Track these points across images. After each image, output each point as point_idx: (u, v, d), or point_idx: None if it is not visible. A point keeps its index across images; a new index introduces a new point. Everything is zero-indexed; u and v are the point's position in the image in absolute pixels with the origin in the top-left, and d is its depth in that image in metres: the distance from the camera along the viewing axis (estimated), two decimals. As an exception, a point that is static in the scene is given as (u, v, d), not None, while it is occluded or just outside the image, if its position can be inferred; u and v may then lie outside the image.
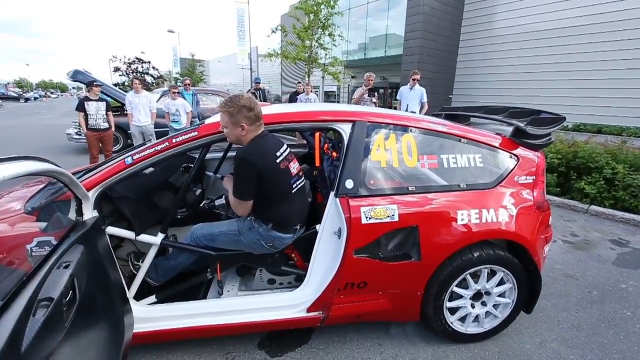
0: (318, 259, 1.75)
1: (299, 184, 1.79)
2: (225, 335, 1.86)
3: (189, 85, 7.04)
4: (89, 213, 1.47)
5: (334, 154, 1.86)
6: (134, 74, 17.46)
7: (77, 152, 7.23)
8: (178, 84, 7.34)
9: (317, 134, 1.88)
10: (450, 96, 14.91)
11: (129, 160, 1.59)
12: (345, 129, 1.75)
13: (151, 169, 1.95)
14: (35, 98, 51.28)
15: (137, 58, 18.13)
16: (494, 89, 13.44)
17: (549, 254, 2.94)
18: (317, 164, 1.84)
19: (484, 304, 1.87)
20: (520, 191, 1.88)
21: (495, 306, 1.89)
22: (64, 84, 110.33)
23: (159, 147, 1.61)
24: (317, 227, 1.75)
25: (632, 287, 2.50)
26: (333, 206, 1.68)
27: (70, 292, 0.98)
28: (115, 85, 14.60)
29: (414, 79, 5.71)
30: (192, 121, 6.86)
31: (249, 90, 8.85)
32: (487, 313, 1.89)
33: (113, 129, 5.40)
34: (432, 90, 13.57)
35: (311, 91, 7.82)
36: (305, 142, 2.98)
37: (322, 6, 12.49)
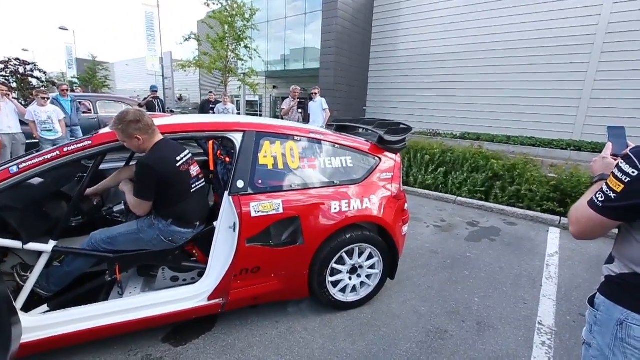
0: (217, 252, 1.98)
1: (199, 184, 2.01)
2: (128, 333, 1.93)
3: (66, 91, 6.33)
4: None
5: (227, 159, 2.14)
6: (15, 76, 14.82)
7: None
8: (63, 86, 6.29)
9: (210, 142, 2.12)
10: (364, 108, 16.46)
11: (14, 169, 1.60)
12: (237, 138, 2.04)
13: (40, 179, 1.93)
14: None
15: (16, 58, 15.39)
16: (398, 102, 15.38)
17: (422, 235, 3.68)
18: (212, 168, 2.09)
19: (359, 276, 2.34)
20: (382, 185, 2.42)
21: (367, 277, 2.37)
22: None
23: (48, 156, 1.65)
24: (215, 223, 2.00)
25: (474, 254, 3.32)
26: (227, 204, 1.95)
27: None
28: None
29: (314, 93, 6.44)
30: (72, 129, 6.22)
31: (146, 98, 8.17)
32: (362, 283, 2.36)
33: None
34: (348, 102, 14.89)
35: (229, 101, 7.93)
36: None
37: (237, 18, 12.62)
